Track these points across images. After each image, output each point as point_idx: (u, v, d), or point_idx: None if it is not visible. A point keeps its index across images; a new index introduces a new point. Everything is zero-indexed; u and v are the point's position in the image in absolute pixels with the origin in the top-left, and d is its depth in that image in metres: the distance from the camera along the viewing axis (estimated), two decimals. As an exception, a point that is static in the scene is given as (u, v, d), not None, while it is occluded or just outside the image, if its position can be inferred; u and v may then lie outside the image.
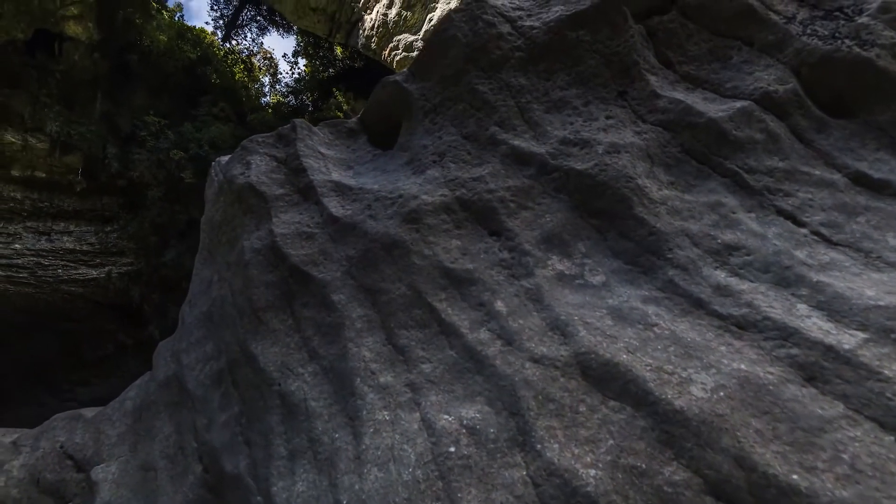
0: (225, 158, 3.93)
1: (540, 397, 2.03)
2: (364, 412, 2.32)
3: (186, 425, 3.28)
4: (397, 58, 26.88)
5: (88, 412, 4.02)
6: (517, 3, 3.35)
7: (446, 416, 2.13)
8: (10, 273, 28.90)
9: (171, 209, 29.96)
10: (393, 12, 25.38)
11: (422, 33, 25.51)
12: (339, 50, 32.85)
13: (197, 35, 32.42)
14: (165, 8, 33.46)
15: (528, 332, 2.26)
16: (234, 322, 3.18)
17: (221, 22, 33.80)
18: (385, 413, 2.28)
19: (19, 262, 29.11)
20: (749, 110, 2.65)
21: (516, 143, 2.93)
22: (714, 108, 2.70)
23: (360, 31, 27.67)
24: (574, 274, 2.48)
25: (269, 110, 34.31)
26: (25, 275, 29.23)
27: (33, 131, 23.79)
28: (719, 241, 2.38)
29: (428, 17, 24.64)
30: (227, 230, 3.60)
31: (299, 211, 3.25)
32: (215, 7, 32.87)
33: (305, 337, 2.84)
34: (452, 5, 23.83)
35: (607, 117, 2.86)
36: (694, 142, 2.68)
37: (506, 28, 3.18)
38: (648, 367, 1.97)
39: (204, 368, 3.33)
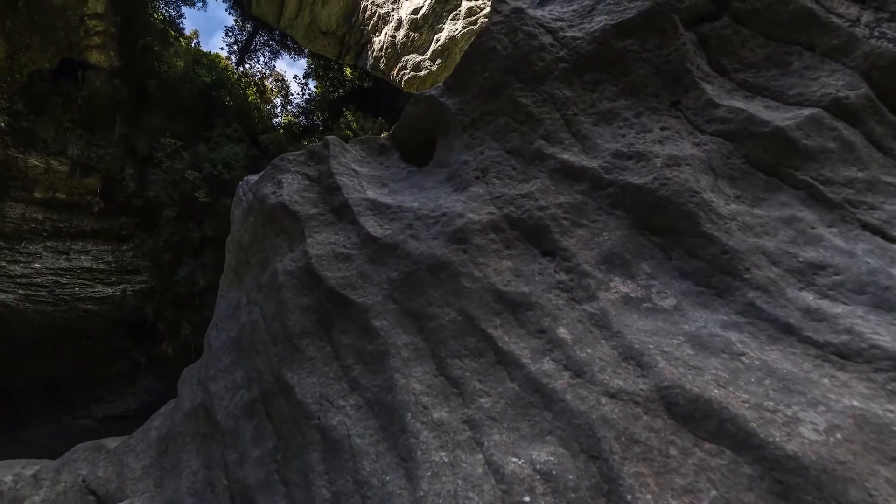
0: (254, 177, 3.74)
1: (623, 438, 1.77)
2: (418, 452, 2.06)
3: (216, 460, 3.03)
4: (405, 77, 27.06)
5: (111, 442, 3.77)
6: (557, 13, 3.17)
7: (515, 459, 1.87)
8: (29, 292, 28.94)
9: (184, 228, 30.05)
10: (401, 34, 25.60)
11: (429, 53, 25.68)
12: (348, 71, 33.17)
13: (212, 60, 32.87)
14: (182, 35, 34.04)
15: (599, 362, 2.01)
16: (266, 349, 2.95)
17: (235, 47, 34.26)
18: (442, 454, 2.02)
19: (38, 280, 29.16)
20: (818, 118, 2.43)
21: (565, 157, 2.71)
22: (779, 117, 2.48)
23: (369, 53, 27.92)
24: (640, 297, 2.23)
25: (281, 130, 34.57)
26: (44, 293, 29.27)
27: (55, 155, 24.02)
28: (801, 258, 2.13)
29: (435, 38, 24.80)
30: (257, 251, 3.39)
31: (334, 231, 3.04)
32: (230, 34, 33.38)
33: (345, 366, 2.60)
34: (458, 26, 23.97)
35: (662, 129, 2.64)
36: (760, 152, 2.45)
37: (547, 39, 2.99)
38: (746, 404, 1.71)
39: (234, 398, 3.08)
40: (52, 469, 3.65)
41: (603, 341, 2.09)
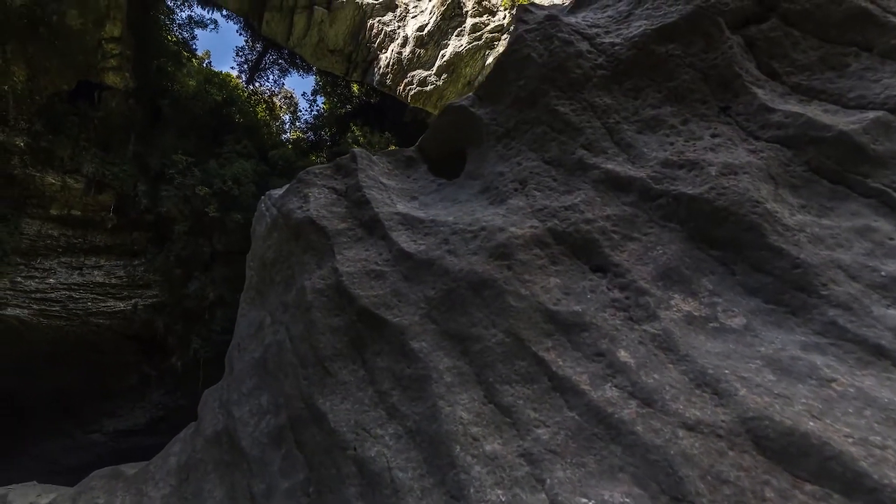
0: (277, 192, 3.58)
1: (709, 478, 1.55)
2: (471, 490, 1.84)
3: (241, 490, 2.81)
4: (412, 92, 27.17)
5: (129, 469, 3.56)
6: (591, 20, 3.02)
7: (584, 500, 1.65)
8: (43, 307, 28.93)
9: (195, 242, 30.07)
10: (407, 50, 25.76)
11: (434, 69, 25.79)
12: (355, 87, 33.40)
13: (223, 79, 33.23)
14: (195, 56, 34.49)
15: (670, 389, 1.80)
16: (294, 372, 2.75)
17: (246, 66, 34.66)
18: (499, 492, 1.80)
19: (53, 295, 29.15)
20: (885, 120, 2.24)
21: (609, 166, 2.53)
22: (841, 121, 2.29)
23: (376, 69, 28.09)
24: (705, 316, 2.03)
25: (289, 146, 34.73)
26: (58, 308, 29.24)
27: (71, 172, 24.16)
28: (883, 272, 1.92)
29: (440, 54, 24.94)
30: (283, 268, 3.21)
31: (365, 247, 2.85)
32: (240, 53, 33.80)
33: (381, 391, 2.39)
34: (463, 42, 24.09)
35: (713, 135, 2.46)
36: (823, 159, 2.26)
37: (584, 46, 2.83)
38: (849, 439, 1.50)
39: (259, 424, 2.88)
40: (69, 497, 3.43)
41: (670, 365, 1.88)
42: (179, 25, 34.22)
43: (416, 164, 3.44)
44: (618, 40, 2.79)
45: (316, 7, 27.25)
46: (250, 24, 31.40)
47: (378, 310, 2.56)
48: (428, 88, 25.22)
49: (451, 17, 23.68)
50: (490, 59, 23.02)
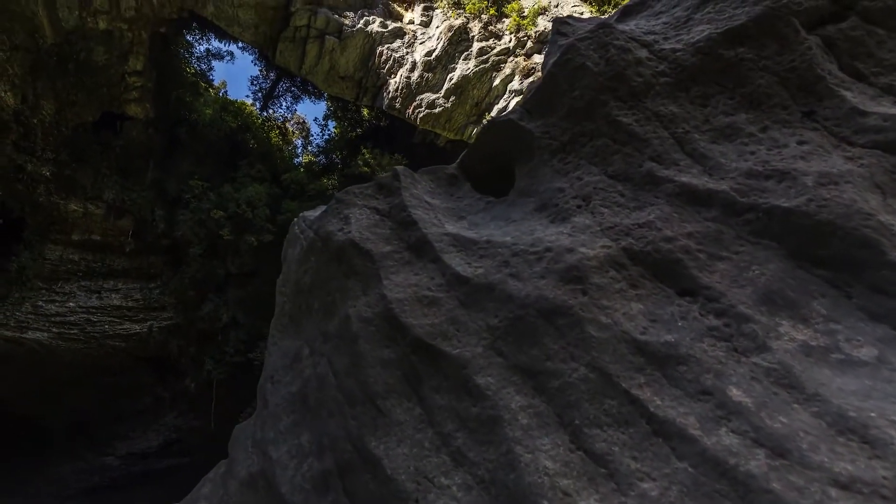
0: (311, 213, 3.34)
1: (885, 555, 1.24)
2: (570, 560, 1.53)
3: (282, 542, 2.49)
4: (421, 115, 27.36)
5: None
6: (645, 27, 2.80)
7: (722, 580, 1.34)
8: (62, 330, 28.89)
9: (209, 265, 30.07)
10: (415, 75, 26.03)
11: (443, 91, 25.99)
12: (365, 111, 33.80)
13: (238, 107, 33.79)
14: (212, 86, 35.16)
15: (805, 436, 1.49)
16: (340, 410, 2.45)
17: (260, 94, 35.29)
18: (606, 564, 1.49)
19: (72, 319, 29.14)
20: None
21: (684, 179, 2.26)
22: (949, 124, 2.02)
23: (385, 94, 28.39)
24: (825, 346, 1.73)
25: (301, 170, 35.02)
26: (76, 331, 29.19)
27: (93, 199, 24.39)
28: None
29: (448, 77, 25.14)
30: (321, 295, 2.94)
31: (413, 271, 2.59)
32: (255, 82, 34.47)
33: (443, 434, 2.09)
34: (471, 65, 24.27)
35: (799, 143, 2.19)
36: (933, 165, 1.99)
37: (643, 53, 2.61)
38: None
39: (301, 468, 2.57)
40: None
41: (797, 406, 1.58)
42: (197, 58, 34.89)
43: (459, 182, 3.20)
44: (679, 46, 2.56)
45: (327, 36, 27.78)
46: (264, 54, 32.06)
47: (434, 340, 2.28)
48: (436, 111, 25.39)
49: (457, 42, 23.97)
50: (497, 81, 23.17)
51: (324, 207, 3.34)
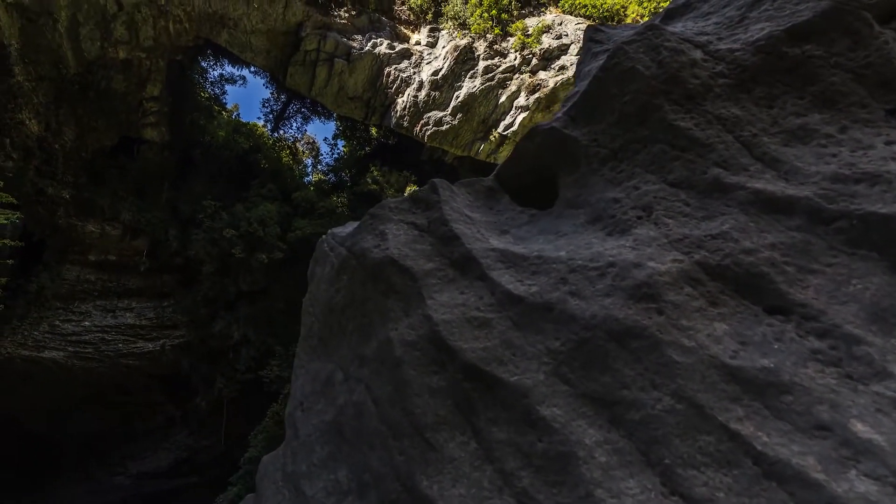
0: (341, 230, 3.15)
1: None
2: None
3: (321, 591, 2.22)
4: (428, 132, 27.45)
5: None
6: (694, 28, 2.62)
7: None
8: (78, 349, 28.82)
9: (221, 283, 30.02)
10: (422, 94, 26.20)
11: (450, 109, 26.10)
12: (373, 130, 34.08)
13: (250, 129, 34.23)
14: (225, 109, 35.70)
15: (963, 484, 1.24)
16: (384, 443, 2.21)
17: (271, 116, 35.80)
18: None
19: (87, 338, 29.09)
20: None
21: (758, 185, 2.04)
22: None
23: (393, 113, 28.57)
24: (957, 370, 1.48)
25: (311, 188, 35.25)
26: (91, 350, 29.11)
27: (110, 220, 24.56)
28: None
29: (455, 95, 25.29)
30: (356, 316, 2.73)
31: (459, 289, 2.37)
32: (266, 104, 35.03)
33: (505, 472, 1.84)
34: (477, 83, 24.42)
35: (887, 143, 1.97)
36: None
37: (697, 54, 2.42)
38: None
39: (340, 505, 2.31)
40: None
41: (942, 445, 1.33)
42: (211, 82, 35.53)
43: (497, 194, 3.00)
44: (737, 46, 2.37)
45: (336, 59, 28.15)
46: (276, 77, 32.56)
47: (489, 366, 2.04)
48: (444, 128, 25.50)
49: (463, 62, 24.19)
50: (503, 98, 23.27)
51: (355, 223, 3.15)
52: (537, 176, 2.90)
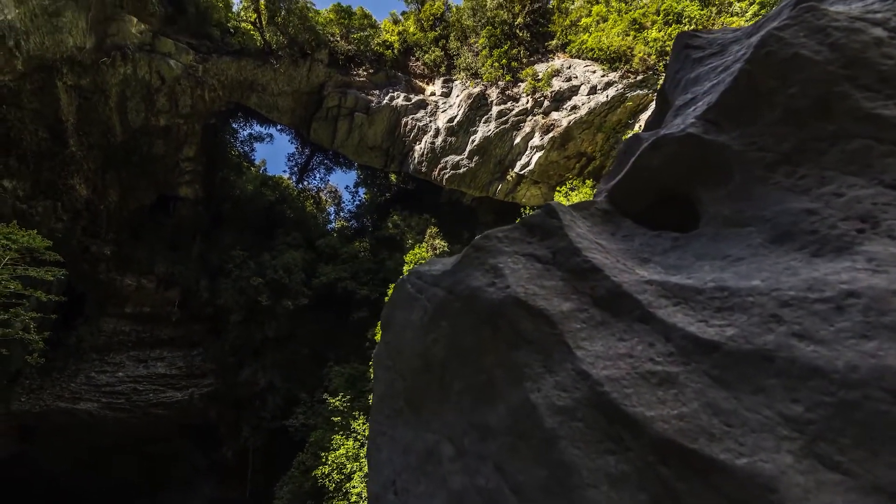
0: (428, 268, 2.61)
1: None
2: None
3: None
4: (446, 176, 27.56)
5: None
6: (856, 7, 2.16)
7: None
8: (111, 400, 28.19)
9: (248, 330, 29.59)
10: (439, 140, 26.56)
11: (466, 153, 26.29)
12: (392, 176, 34.54)
13: (276, 182, 35.05)
14: (253, 164, 36.80)
15: None
16: (542, 553, 1.55)
17: (296, 168, 36.73)
18: None
19: (120, 388, 28.51)
20: None
21: None
22: None
23: (411, 160, 28.93)
24: None
25: (335, 234, 35.42)
26: (122, 400, 28.45)
27: (146, 273, 24.69)
28: None
29: (470, 139, 25.53)
30: (467, 372, 2.13)
31: (614, 335, 1.78)
32: (291, 158, 36.07)
33: None
34: (491, 127, 24.72)
35: None
36: None
37: (878, 31, 1.93)
38: None
39: None
40: None
41: None
42: (241, 141, 36.94)
43: (614, 217, 2.46)
44: (926, 21, 1.88)
45: (356, 113, 29.01)
46: (300, 133, 33.62)
47: (695, 443, 1.41)
48: (461, 171, 25.60)
49: (477, 108, 24.63)
50: (518, 140, 23.38)
51: (443, 260, 2.61)
52: (662, 194, 2.37)
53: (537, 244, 2.16)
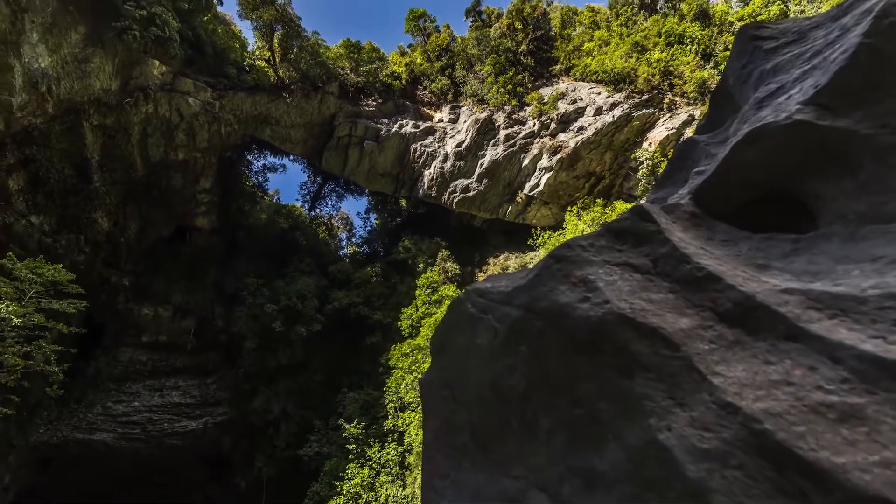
0: (493, 284, 2.28)
1: None
2: None
3: None
4: (456, 199, 27.52)
5: None
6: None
7: None
8: (126, 430, 27.49)
9: (262, 357, 29.06)
10: (448, 164, 26.64)
11: (475, 176, 26.29)
12: (403, 202, 34.60)
13: (289, 210, 35.30)
14: (266, 194, 37.18)
15: None
16: None
17: (308, 196, 37.02)
18: None
19: (135, 418, 27.87)
20: None
21: None
22: None
23: (421, 185, 29.00)
24: None
25: (347, 260, 35.28)
26: (138, 430, 27.74)
27: (163, 303, 24.55)
28: None
29: (479, 163, 25.58)
30: (557, 406, 1.76)
31: (757, 356, 1.42)
32: (304, 187, 36.44)
33: None
34: (499, 150, 24.79)
35: None
36: None
37: None
38: None
39: None
40: None
41: None
42: (255, 172, 37.42)
43: (704, 220, 2.13)
44: None
45: (366, 141, 29.34)
46: (312, 162, 34.02)
47: (919, 502, 1.04)
48: (471, 194, 25.55)
49: (485, 132, 24.78)
50: (526, 161, 23.36)
51: (508, 274, 2.29)
52: (759, 192, 2.05)
53: (630, 252, 1.83)
